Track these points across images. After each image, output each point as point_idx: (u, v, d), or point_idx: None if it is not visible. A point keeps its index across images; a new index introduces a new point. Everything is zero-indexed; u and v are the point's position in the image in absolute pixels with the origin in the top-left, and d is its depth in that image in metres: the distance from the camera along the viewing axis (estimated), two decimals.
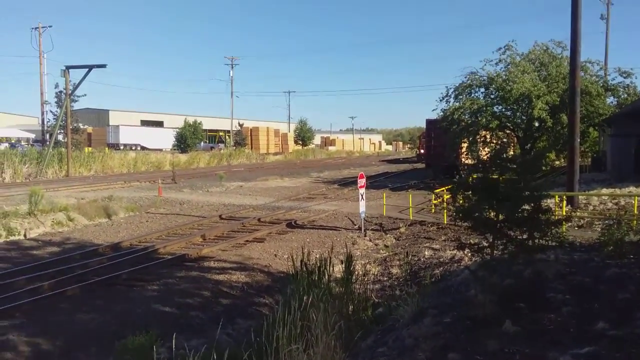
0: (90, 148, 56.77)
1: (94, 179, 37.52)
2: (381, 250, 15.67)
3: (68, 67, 41.53)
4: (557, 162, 35.38)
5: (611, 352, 4.56)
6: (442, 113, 31.73)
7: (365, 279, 10.65)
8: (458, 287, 7.64)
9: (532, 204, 6.39)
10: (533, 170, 7.06)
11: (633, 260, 8.37)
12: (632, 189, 19.18)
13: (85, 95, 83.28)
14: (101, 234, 18.21)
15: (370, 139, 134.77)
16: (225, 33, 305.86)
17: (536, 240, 6.34)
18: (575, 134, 17.38)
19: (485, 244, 6.69)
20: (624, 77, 28.62)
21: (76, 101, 48.02)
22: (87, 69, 40.64)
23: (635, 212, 13.38)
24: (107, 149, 57.38)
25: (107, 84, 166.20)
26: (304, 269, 8.66)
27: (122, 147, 67.92)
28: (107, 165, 46.42)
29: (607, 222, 10.52)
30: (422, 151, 56.48)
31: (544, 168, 29.84)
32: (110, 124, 79.50)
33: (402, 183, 34.34)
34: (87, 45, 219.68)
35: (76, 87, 42.97)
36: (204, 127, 77.26)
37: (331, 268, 9.37)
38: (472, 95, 30.43)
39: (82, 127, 57.80)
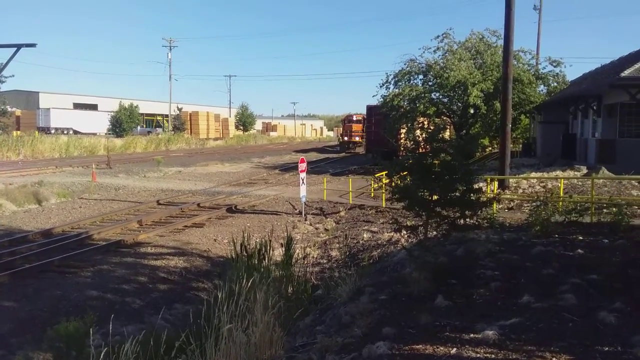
0: (19, 132, 53.99)
1: (23, 164, 35.77)
2: (321, 234, 15.82)
3: None
4: (489, 148, 36.69)
5: (535, 323, 4.83)
6: (382, 99, 32.18)
7: (305, 262, 10.77)
8: (394, 267, 7.85)
9: (464, 185, 6.62)
10: (467, 153, 7.31)
11: (558, 239, 8.87)
12: (559, 172, 20.15)
13: (13, 76, 78.63)
14: (31, 220, 17.45)
15: (312, 125, 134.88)
16: (163, 13, 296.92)
17: (467, 220, 6.59)
18: (508, 120, 18.03)
19: (420, 224, 6.89)
20: (554, 66, 29.97)
21: (3, 82, 45.58)
22: (15, 48, 38.41)
23: (561, 194, 14.10)
24: (37, 132, 54.73)
25: (38, 65, 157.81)
26: (244, 252, 8.66)
27: (53, 131, 64.82)
28: (37, 150, 44.32)
29: (535, 204, 11.03)
30: (345, 138, 54.26)
31: (477, 153, 30.98)
32: (41, 106, 75.55)
33: (343, 168, 34.72)
34: (16, 23, 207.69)
35: (3, 67, 40.32)
36: (140, 111, 74.75)
37: (271, 251, 9.41)
38: (411, 82, 31.01)
39: (10, 109, 54.84)
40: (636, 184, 16.36)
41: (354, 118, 54.14)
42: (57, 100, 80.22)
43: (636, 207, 12.37)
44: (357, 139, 52.73)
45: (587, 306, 5.25)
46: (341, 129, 62.65)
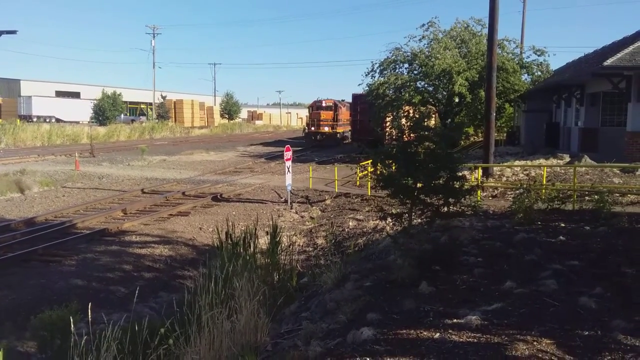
0: (0, 120, 53.17)
1: (4, 153, 35.27)
2: (307, 222, 15.84)
3: None
4: (474, 137, 36.90)
5: (517, 308, 4.90)
6: (367, 88, 32.18)
7: (291, 250, 10.75)
8: (379, 254, 7.90)
9: (448, 173, 6.66)
10: (451, 141, 7.35)
11: (540, 226, 8.98)
12: (542, 160, 20.33)
13: None
14: (13, 209, 17.23)
15: (297, 114, 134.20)
16: (146, 0, 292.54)
17: (451, 207, 6.64)
18: (492, 108, 18.10)
19: (405, 211, 6.93)
20: (538, 55, 30.18)
21: None
22: None
23: (544, 182, 14.25)
24: (18, 120, 53.92)
25: (19, 52, 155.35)
26: (229, 240, 8.63)
27: (35, 119, 63.89)
28: (19, 138, 43.65)
29: (518, 191, 11.12)
30: (312, 128, 44.89)
31: (462, 141, 31.15)
32: (22, 94, 74.43)
33: (329, 157, 34.71)
34: None
35: None
36: (124, 99, 73.96)
37: (257, 240, 9.40)
38: (397, 70, 31.04)
39: None
40: (617, 171, 16.58)
41: (324, 104, 45.08)
42: (38, 88, 79.00)
43: (617, 195, 12.53)
44: (326, 129, 43.87)
45: (568, 291, 5.33)
46: (307, 117, 50.27)
